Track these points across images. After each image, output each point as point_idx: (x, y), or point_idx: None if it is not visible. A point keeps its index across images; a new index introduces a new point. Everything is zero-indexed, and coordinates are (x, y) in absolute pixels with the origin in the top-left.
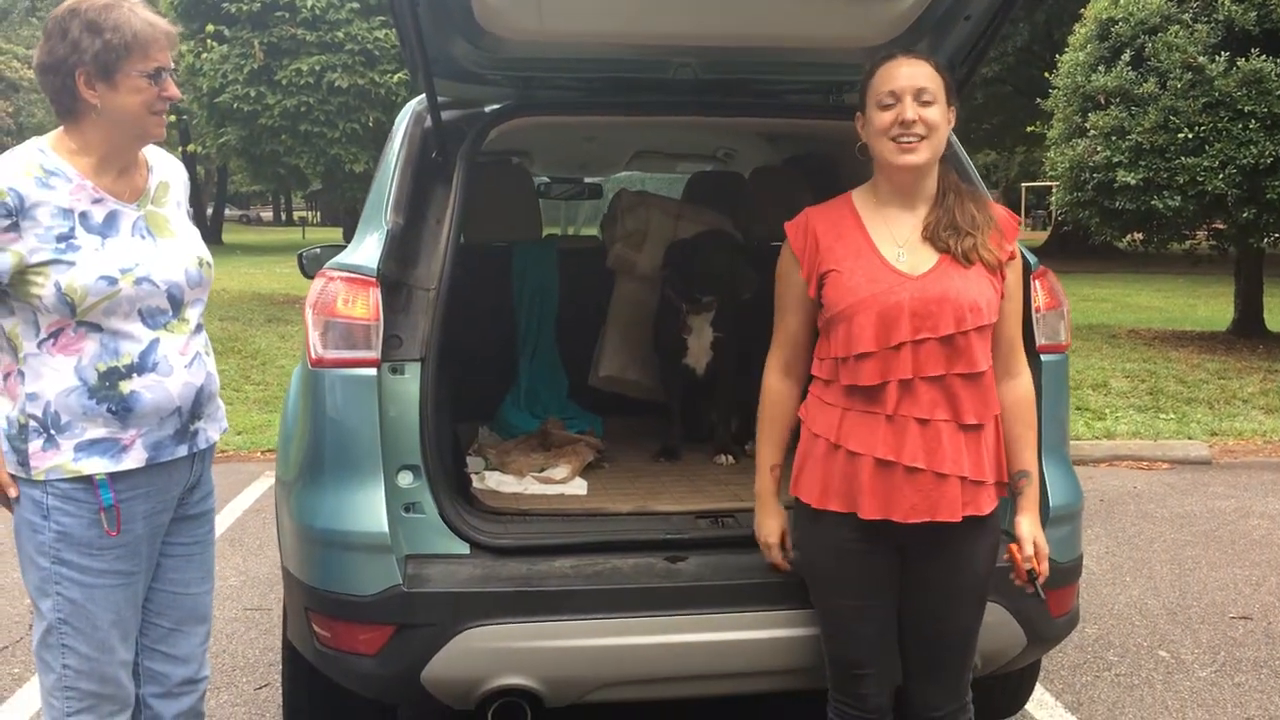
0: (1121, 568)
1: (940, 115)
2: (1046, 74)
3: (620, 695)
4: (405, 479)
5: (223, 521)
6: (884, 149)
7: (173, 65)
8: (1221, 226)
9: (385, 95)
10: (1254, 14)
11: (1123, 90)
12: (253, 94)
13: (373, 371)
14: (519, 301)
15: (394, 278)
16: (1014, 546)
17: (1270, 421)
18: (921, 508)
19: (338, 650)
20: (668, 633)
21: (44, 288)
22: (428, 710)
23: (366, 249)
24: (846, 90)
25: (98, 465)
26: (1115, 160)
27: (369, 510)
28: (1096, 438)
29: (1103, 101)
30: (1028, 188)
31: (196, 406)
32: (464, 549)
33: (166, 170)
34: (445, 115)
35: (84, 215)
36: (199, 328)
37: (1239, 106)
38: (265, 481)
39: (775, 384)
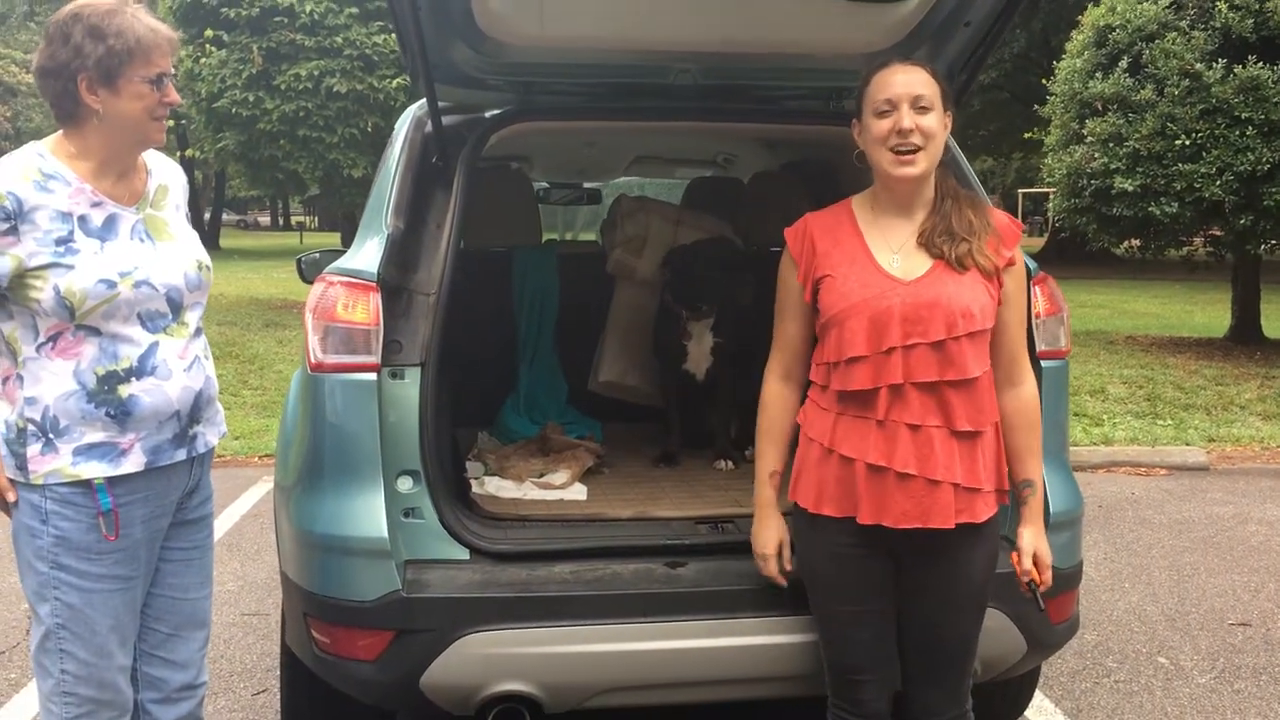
0: (1120, 574)
1: (937, 122)
2: (1044, 80)
3: (620, 701)
4: (405, 484)
5: (220, 526)
6: (882, 159)
7: (173, 71)
8: (1219, 233)
9: (384, 100)
10: (1251, 21)
11: (1120, 97)
12: (251, 99)
13: (372, 376)
14: (519, 307)
15: (394, 283)
16: (1015, 556)
17: (1268, 428)
18: (913, 514)
19: (336, 656)
20: (668, 638)
21: (43, 291)
22: (427, 716)
23: (366, 254)
24: (846, 96)
25: (96, 469)
26: (1112, 167)
27: (368, 515)
28: (1094, 444)
29: (1100, 108)
30: (1025, 194)
31: (195, 410)
32: (463, 554)
33: (165, 174)
34: (446, 120)
35: (83, 219)
36: (198, 331)
37: (1236, 113)
38: (263, 486)
39: (774, 389)
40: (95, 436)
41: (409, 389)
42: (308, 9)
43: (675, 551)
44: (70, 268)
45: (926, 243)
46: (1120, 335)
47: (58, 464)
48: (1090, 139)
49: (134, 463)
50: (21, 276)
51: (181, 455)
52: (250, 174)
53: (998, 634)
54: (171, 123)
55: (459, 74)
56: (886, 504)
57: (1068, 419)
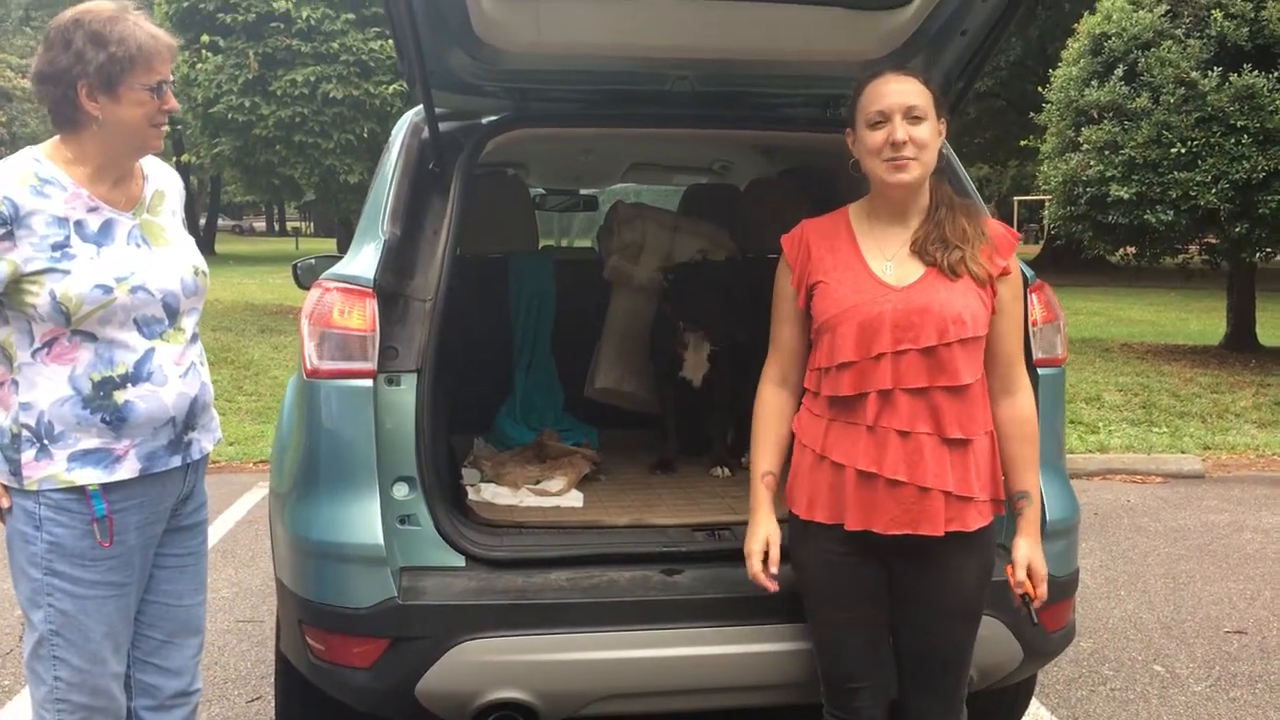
0: (1116, 581)
1: (930, 131)
2: (1040, 88)
3: (616, 708)
4: (401, 491)
5: (215, 533)
6: (876, 169)
7: (172, 78)
8: (1214, 241)
9: (380, 106)
10: (1246, 29)
11: (1116, 105)
12: (247, 104)
13: (368, 383)
14: (515, 313)
15: (390, 289)
16: (1010, 568)
17: (1263, 436)
18: (902, 520)
19: (331, 663)
20: (664, 646)
21: (39, 296)
22: None
23: (363, 260)
24: (843, 103)
25: (91, 476)
26: (1108, 175)
27: (364, 522)
28: (1090, 451)
29: (1096, 116)
30: (1020, 202)
31: (191, 417)
32: (459, 561)
33: (162, 179)
34: (442, 126)
35: (79, 224)
36: (194, 337)
37: (1231, 121)
38: (258, 492)
39: (769, 394)
40: (90, 443)
41: (405, 395)
42: (304, 15)
43: (672, 559)
44: (66, 273)
45: (920, 250)
46: (1116, 343)
47: (52, 470)
48: (1086, 146)
49: (129, 469)
50: (17, 282)
51: (176, 462)
52: (246, 179)
53: (994, 642)
54: (167, 128)
55: (456, 80)
56: (876, 510)
57: (1064, 427)
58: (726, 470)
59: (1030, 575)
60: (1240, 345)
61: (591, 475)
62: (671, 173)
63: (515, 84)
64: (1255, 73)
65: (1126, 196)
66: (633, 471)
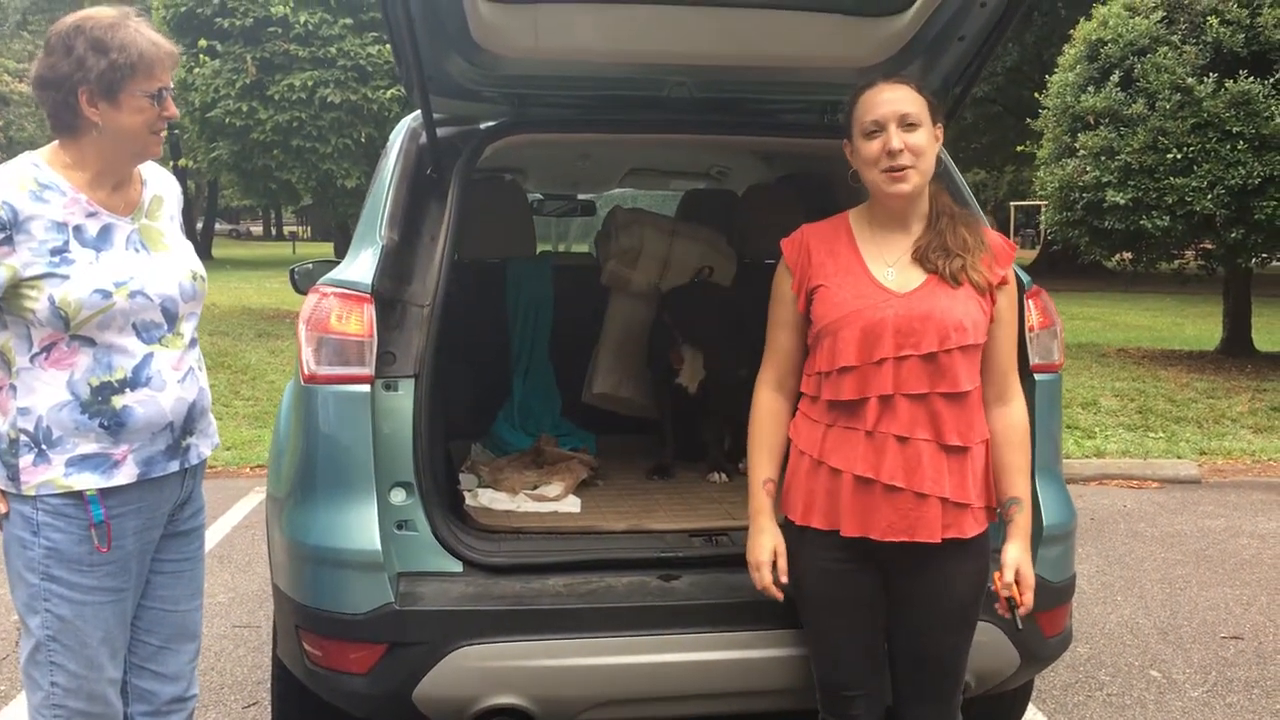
0: (1112, 587)
1: (926, 138)
2: (1036, 94)
3: (613, 715)
4: (398, 496)
5: (211, 537)
6: (875, 179)
7: (172, 85)
8: (1210, 246)
9: (378, 111)
10: (1242, 36)
11: (1112, 111)
12: (245, 109)
13: (366, 388)
14: (513, 318)
15: (388, 294)
16: (998, 575)
17: (1259, 441)
18: (899, 527)
19: (328, 669)
20: (661, 652)
21: (37, 301)
22: None
23: (361, 265)
24: (840, 110)
25: (89, 481)
26: (1104, 180)
27: (361, 527)
28: (1086, 456)
29: (1092, 122)
30: (1017, 207)
31: (189, 422)
32: (457, 567)
33: (160, 184)
34: (440, 132)
35: (78, 229)
36: (193, 342)
37: (1227, 127)
38: (255, 497)
39: (766, 399)
40: (88, 448)
41: (402, 400)
42: (302, 19)
43: (669, 564)
44: (65, 278)
45: (921, 258)
46: (1112, 348)
47: (50, 475)
48: (1082, 152)
49: (127, 474)
50: (16, 286)
51: (174, 467)
52: (243, 184)
53: (991, 647)
54: (165, 132)
55: (454, 86)
56: (873, 516)
57: (1060, 432)
58: (724, 476)
59: (1018, 581)
60: (1236, 350)
61: (589, 480)
62: (669, 178)
63: (513, 89)
64: (1251, 79)
65: (1123, 202)
66: (630, 477)
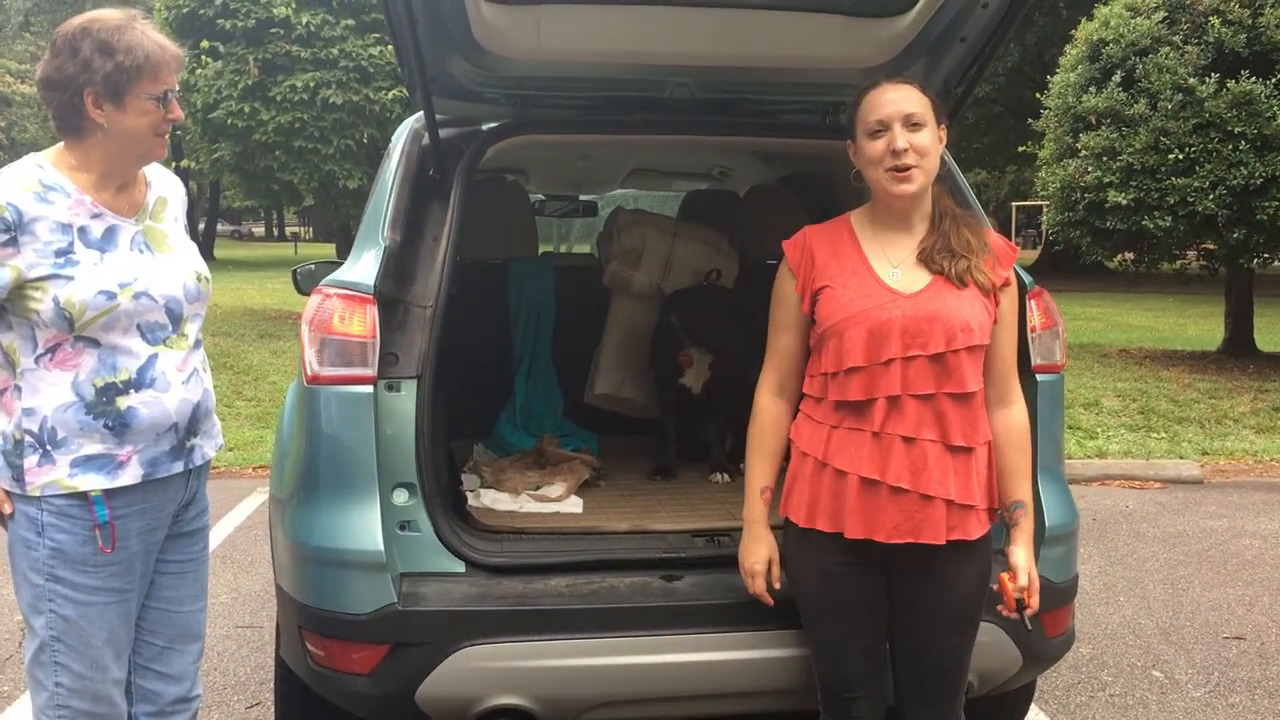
0: (1115, 587)
1: (930, 138)
2: (1037, 94)
3: (616, 715)
4: (401, 497)
5: (214, 538)
6: (879, 179)
7: (177, 87)
8: (1212, 247)
9: (379, 112)
10: (1244, 36)
11: (1113, 111)
12: (247, 110)
13: (369, 389)
14: (515, 319)
15: (391, 295)
16: (1004, 576)
17: (1261, 441)
18: (905, 528)
19: (331, 669)
20: (663, 652)
21: (42, 302)
22: None
23: (363, 266)
24: (842, 110)
25: (93, 481)
26: (1106, 180)
27: (364, 528)
28: (1088, 457)
29: (1094, 122)
30: (1018, 207)
31: (193, 423)
32: (459, 567)
33: (164, 186)
34: (443, 133)
35: (83, 230)
36: (197, 343)
37: (1229, 128)
38: (257, 498)
39: (767, 404)
40: (93, 448)
41: (405, 401)
42: (304, 21)
43: (671, 565)
44: (70, 279)
45: (926, 259)
46: (1114, 348)
47: (55, 476)
48: (1084, 153)
49: (131, 475)
50: (21, 288)
51: (179, 468)
52: (245, 185)
53: (993, 648)
54: (169, 134)
55: (456, 87)
56: (878, 518)
57: (1063, 432)
58: (726, 476)
59: (1028, 584)
60: (1238, 351)
61: (591, 481)
62: (671, 179)
63: (516, 90)
64: (1253, 79)
65: (1124, 202)
66: (632, 477)
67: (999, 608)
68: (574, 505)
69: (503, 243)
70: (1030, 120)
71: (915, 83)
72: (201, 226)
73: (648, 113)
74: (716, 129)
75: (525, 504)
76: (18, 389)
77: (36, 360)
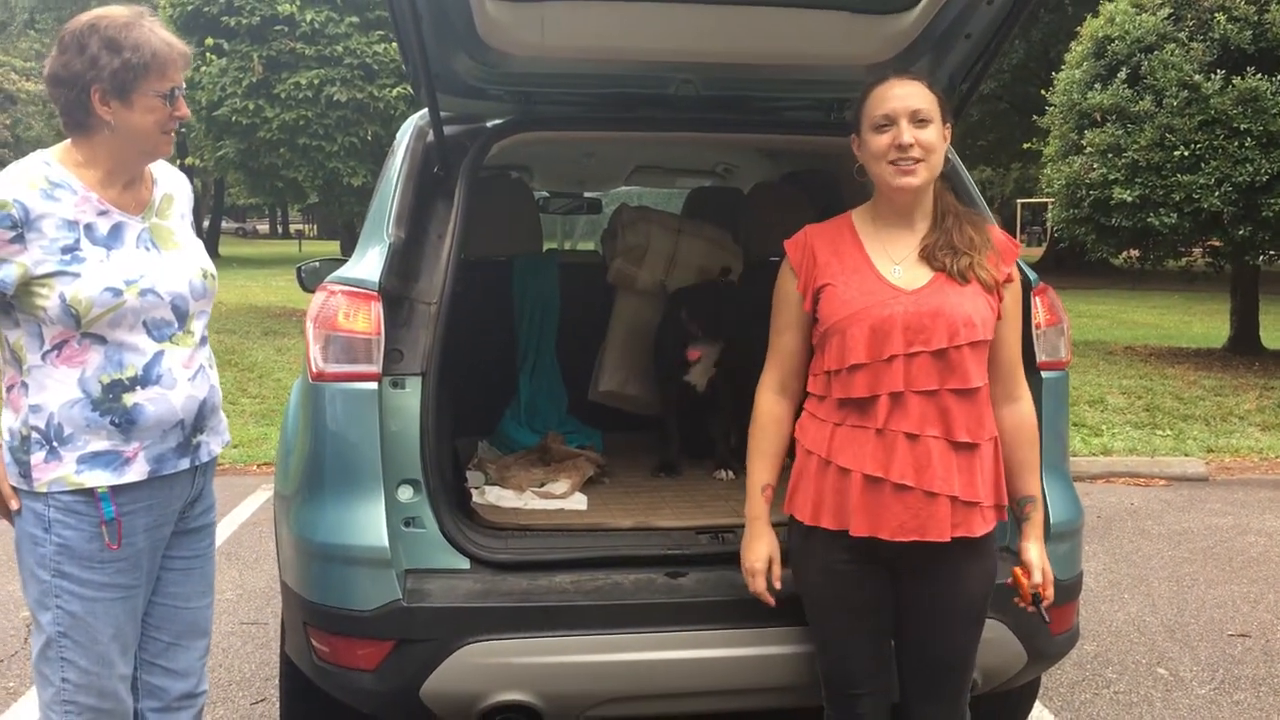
0: (1120, 584)
1: (936, 135)
2: (1043, 91)
3: (620, 711)
4: (405, 493)
5: (219, 535)
6: (882, 172)
7: (184, 85)
8: (1217, 244)
9: (384, 109)
10: (1250, 33)
11: (1119, 108)
12: (251, 107)
13: (373, 385)
14: (519, 316)
15: (395, 292)
16: (1018, 570)
17: (1266, 439)
18: (910, 526)
19: (336, 665)
20: (668, 649)
21: (49, 299)
22: None
23: (368, 263)
24: (847, 107)
25: (100, 478)
26: (1111, 177)
27: (369, 525)
28: (1093, 454)
29: (1099, 119)
30: (1023, 204)
31: (199, 420)
32: (464, 564)
33: (171, 183)
34: (447, 130)
35: (89, 227)
36: (203, 340)
37: (1235, 124)
38: (262, 495)
39: (768, 403)
40: (99, 445)
41: (410, 398)
42: (308, 18)
43: (675, 561)
44: (76, 276)
45: (928, 256)
46: (1119, 346)
47: (61, 472)
48: (1089, 149)
49: (138, 471)
50: (28, 284)
51: (185, 464)
52: (250, 182)
53: (998, 645)
54: (175, 132)
55: (460, 84)
56: (882, 516)
57: (1068, 429)
58: (730, 473)
59: (1043, 578)
60: (1244, 348)
61: (596, 478)
62: (675, 176)
63: (520, 87)
64: (1258, 76)
65: (1130, 199)
66: (637, 474)
67: (1015, 600)
68: (578, 502)
69: (507, 240)
70: (1035, 117)
71: (923, 79)
72: (206, 224)
73: (652, 109)
74: (721, 126)
75: (530, 501)
76: (24, 385)
77: (43, 357)
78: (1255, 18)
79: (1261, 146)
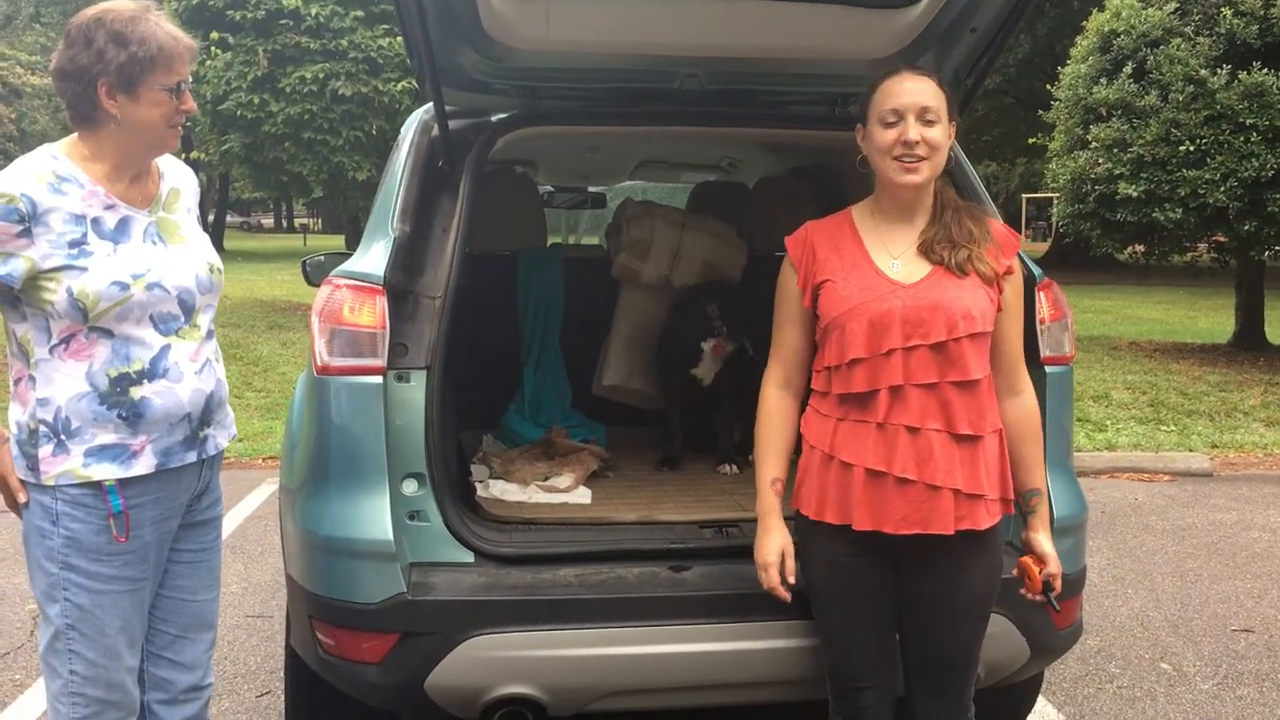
0: (1123, 579)
1: (942, 134)
2: (1048, 86)
3: (623, 704)
4: (410, 487)
5: (224, 528)
6: (886, 167)
7: (190, 79)
8: (1223, 239)
9: (389, 104)
10: (1255, 27)
11: (1124, 103)
12: (256, 101)
13: (378, 379)
14: (523, 310)
15: (400, 286)
16: (1028, 560)
17: (1271, 434)
18: (913, 519)
19: (341, 658)
20: (671, 642)
21: (56, 293)
22: (431, 718)
23: (373, 257)
24: (851, 102)
25: (107, 471)
26: (1116, 172)
27: (374, 518)
28: (1097, 449)
29: (1104, 114)
30: (1028, 199)
31: (206, 413)
32: (468, 557)
33: (177, 177)
34: (452, 124)
35: (96, 221)
36: (209, 334)
37: (1240, 119)
38: (267, 488)
39: (773, 398)
40: (107, 438)
41: (414, 392)
42: (313, 12)
43: (679, 555)
44: (83, 270)
45: (927, 250)
46: (1124, 341)
47: (69, 465)
48: (1094, 144)
49: (145, 465)
50: (35, 278)
51: (192, 457)
52: (255, 176)
53: (1001, 639)
54: (182, 126)
55: (465, 78)
56: (885, 510)
57: (1072, 424)
58: (734, 467)
59: (1052, 569)
60: (1249, 344)
61: (599, 472)
62: (680, 170)
63: (525, 82)
64: (1265, 70)
65: (1135, 194)
66: (640, 468)
67: (1021, 591)
68: (582, 496)
69: (511, 234)
70: (1041, 112)
71: (933, 76)
72: (211, 218)
73: (657, 104)
74: (725, 120)
75: (534, 494)
76: (32, 379)
77: (51, 350)
78: (1261, 12)
79: (1267, 141)
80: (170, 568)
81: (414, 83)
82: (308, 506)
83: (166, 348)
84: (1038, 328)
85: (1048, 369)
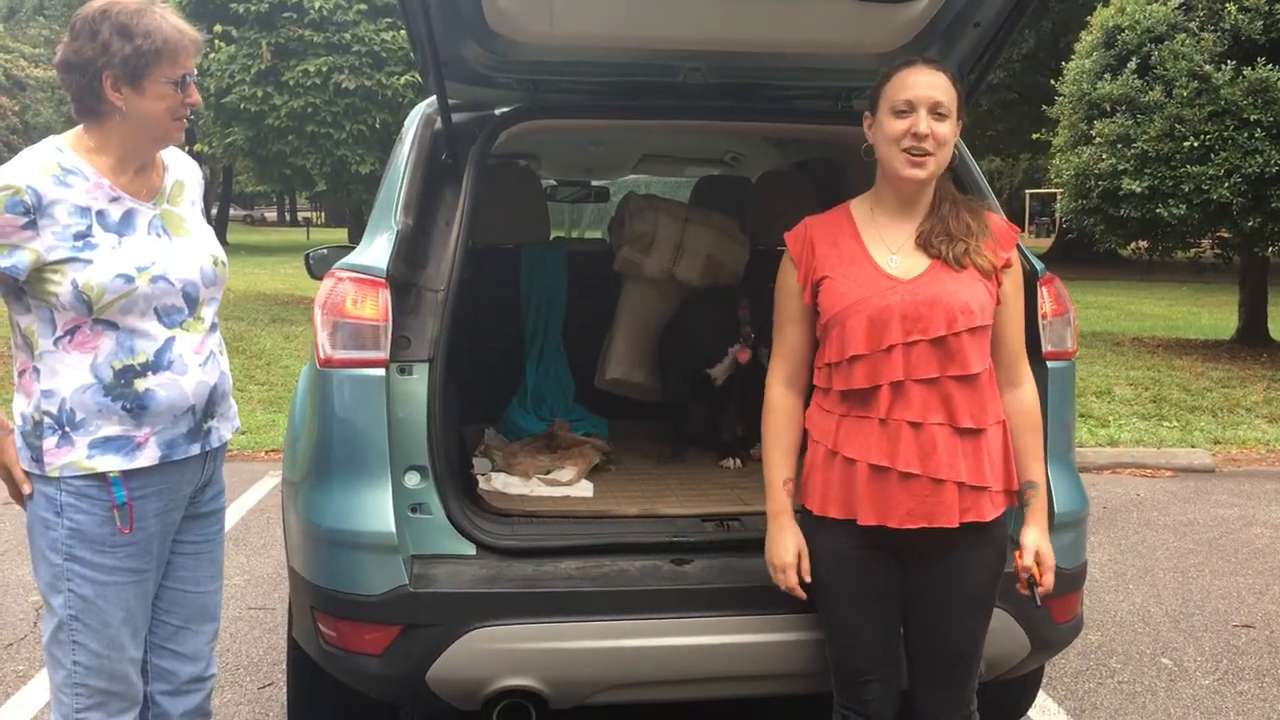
0: (1125, 575)
1: (951, 130)
2: (1052, 81)
3: (625, 697)
4: (412, 479)
5: (227, 520)
6: (893, 158)
7: (195, 72)
8: (1226, 235)
9: (392, 97)
10: (1260, 23)
11: (1128, 98)
12: (260, 94)
13: (381, 372)
14: (526, 303)
15: (403, 279)
16: (1016, 554)
17: (1274, 430)
18: (918, 513)
19: (343, 650)
20: (673, 635)
21: (61, 285)
22: (432, 710)
23: (376, 250)
24: (855, 96)
25: (111, 463)
26: (1120, 168)
27: (376, 510)
28: (1100, 445)
29: (1108, 109)
30: (1032, 195)
31: (210, 405)
32: (470, 550)
33: (182, 169)
34: (455, 118)
35: (101, 213)
36: (213, 326)
37: (1245, 115)
38: (270, 481)
39: (778, 396)
40: (111, 430)
41: (417, 385)
42: (317, 5)
43: (681, 549)
44: (88, 262)
45: (925, 244)
46: (1127, 337)
47: (73, 457)
48: (1098, 140)
49: (149, 456)
50: (40, 270)
51: (195, 449)
52: (258, 169)
53: (1002, 634)
54: (187, 119)
55: (469, 71)
56: (890, 504)
57: (1074, 420)
58: (737, 461)
59: (1038, 563)
60: (1252, 340)
61: (601, 465)
62: (683, 164)
63: (528, 75)
64: (1269, 66)
65: (1139, 190)
66: (643, 462)
67: (1016, 586)
68: (584, 489)
69: (514, 228)
70: (1045, 107)
71: (948, 71)
72: (214, 211)
73: (660, 98)
74: (729, 114)
75: (536, 487)
76: (36, 371)
77: (55, 342)
78: (1266, 8)
79: (1271, 138)
80: (173, 559)
81: (417, 76)
82: (310, 498)
83: (171, 340)
84: (1040, 323)
85: (1050, 364)
